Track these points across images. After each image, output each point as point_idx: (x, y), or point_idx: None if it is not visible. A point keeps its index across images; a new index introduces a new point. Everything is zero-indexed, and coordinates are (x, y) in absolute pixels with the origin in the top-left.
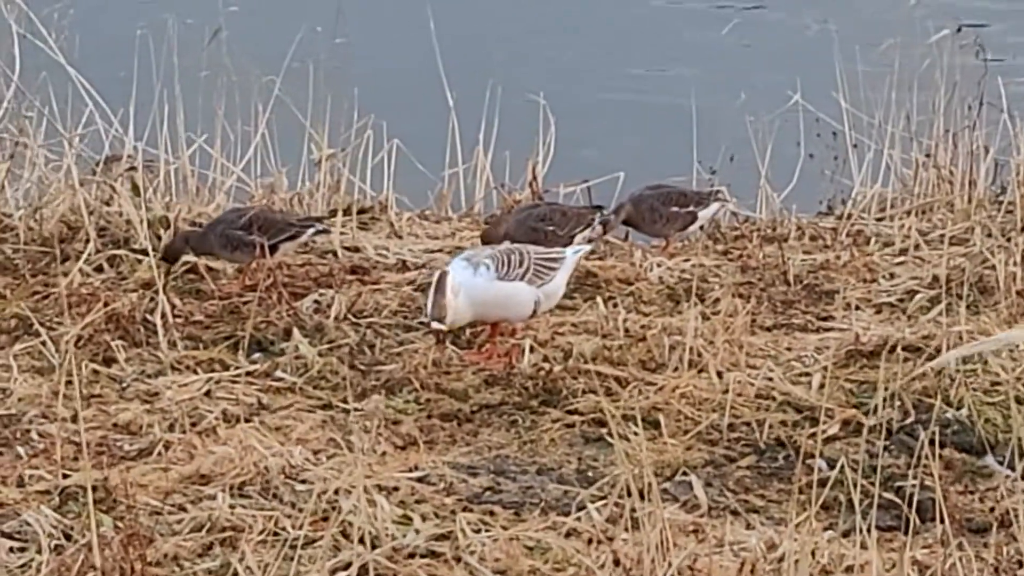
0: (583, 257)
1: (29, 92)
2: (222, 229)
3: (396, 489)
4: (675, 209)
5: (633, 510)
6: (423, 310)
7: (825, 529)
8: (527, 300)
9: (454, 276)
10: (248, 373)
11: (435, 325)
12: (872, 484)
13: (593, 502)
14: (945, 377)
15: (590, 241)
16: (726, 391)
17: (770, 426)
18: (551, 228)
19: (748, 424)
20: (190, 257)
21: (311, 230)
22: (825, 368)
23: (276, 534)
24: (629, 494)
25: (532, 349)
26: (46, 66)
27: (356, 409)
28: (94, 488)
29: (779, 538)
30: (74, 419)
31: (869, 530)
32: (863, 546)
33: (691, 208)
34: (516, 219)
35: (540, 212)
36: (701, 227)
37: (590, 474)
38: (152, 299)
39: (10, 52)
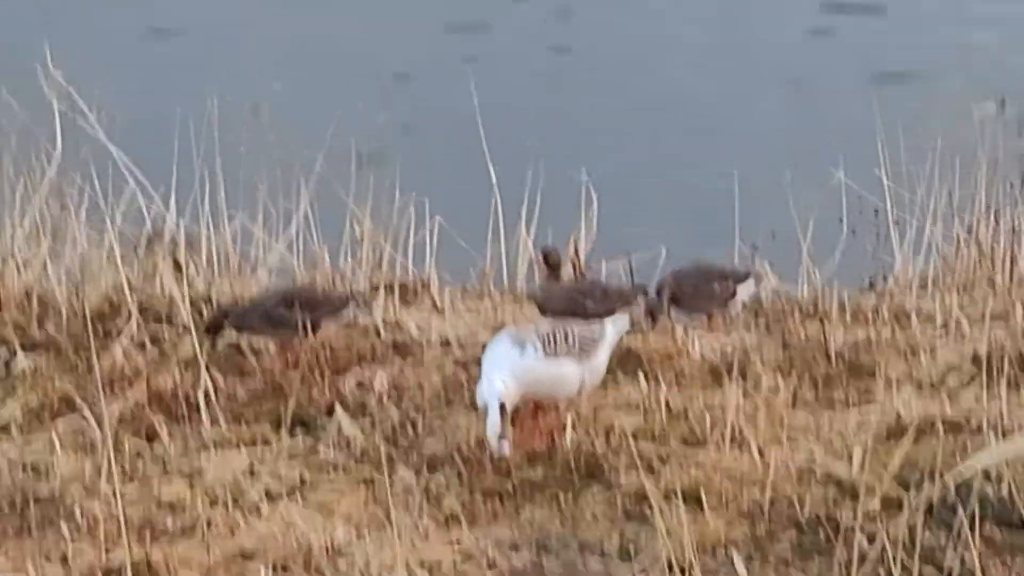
0: (623, 332)
1: (71, 169)
2: (263, 307)
3: (439, 566)
4: (717, 285)
5: None
6: (472, 391)
7: None
8: (574, 378)
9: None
10: (290, 450)
11: (503, 453)
12: (913, 560)
13: None
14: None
15: (632, 324)
16: (767, 468)
17: (811, 502)
18: (589, 303)
19: (789, 500)
20: (232, 334)
21: (352, 306)
22: (866, 445)
23: None
24: (671, 570)
25: (574, 426)
26: (88, 143)
27: (398, 486)
28: (137, 566)
29: None
30: (116, 497)
31: None
32: None
33: (732, 284)
34: (556, 291)
35: (581, 286)
36: (743, 303)
37: (632, 550)
38: (195, 376)
39: (52, 129)
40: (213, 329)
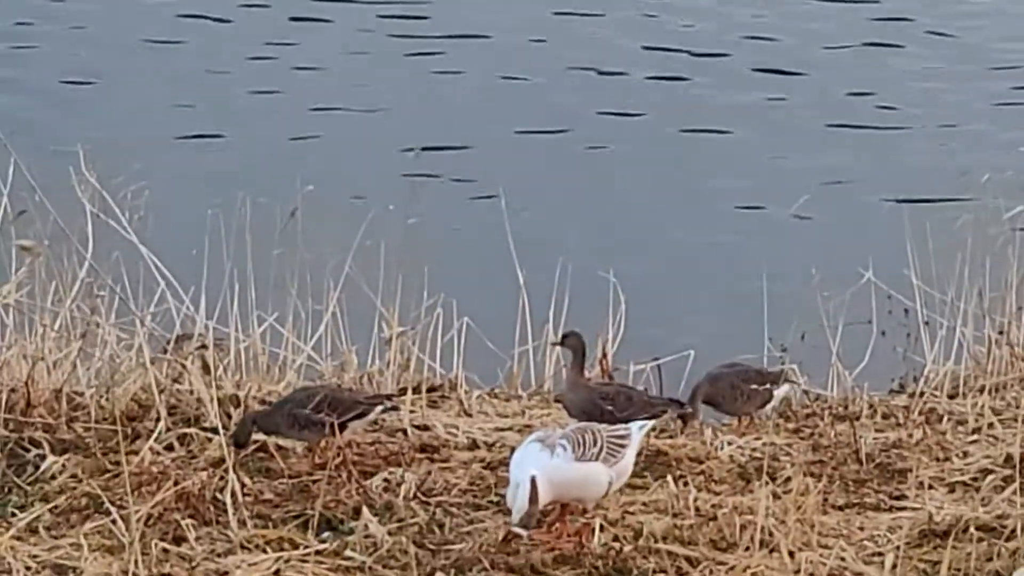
0: (649, 433)
1: (102, 271)
2: (290, 408)
3: None
4: (755, 387)
5: None
6: (500, 493)
7: None
8: (603, 480)
9: (540, 477)
10: (318, 552)
11: (518, 531)
12: None
13: None
14: (1019, 557)
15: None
16: (798, 572)
17: None
18: (609, 408)
19: None
20: (259, 436)
21: (379, 408)
22: (898, 548)
23: None
24: None
25: (602, 528)
26: (119, 245)
27: None
28: None
29: None
30: None
31: None
32: None
33: (768, 386)
34: (580, 394)
35: (606, 391)
36: (773, 408)
37: None
38: (222, 478)
39: (84, 231)
40: (241, 441)
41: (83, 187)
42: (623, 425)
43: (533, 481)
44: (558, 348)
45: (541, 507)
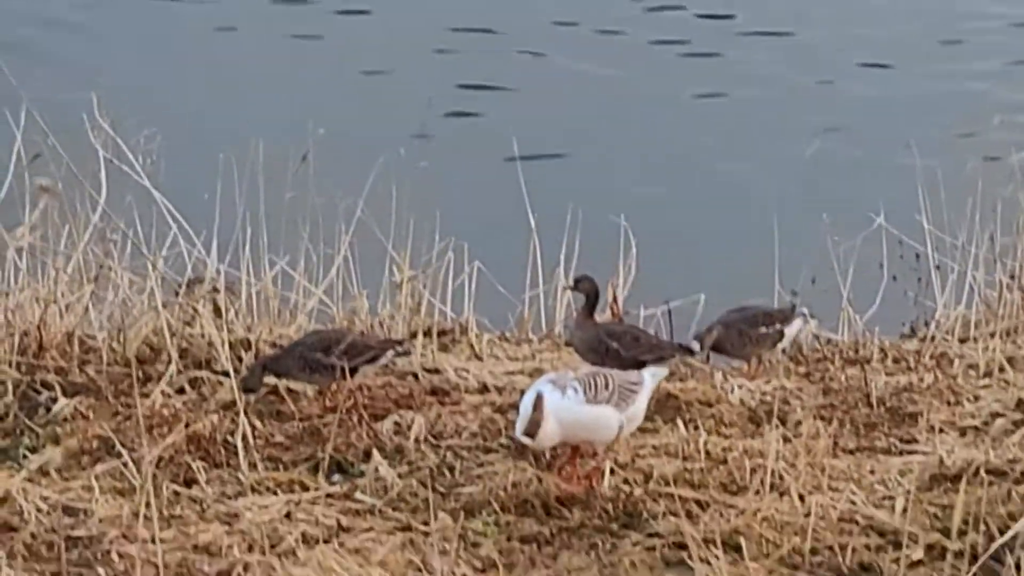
0: (662, 380)
1: (114, 215)
2: (301, 352)
3: None
4: (763, 330)
5: None
6: (509, 434)
7: None
8: (613, 424)
9: (548, 402)
10: (328, 495)
11: (524, 440)
12: None
13: None
14: None
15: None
16: (808, 515)
17: (853, 550)
18: (615, 346)
19: (831, 548)
20: (270, 379)
21: (390, 352)
22: (909, 492)
23: None
24: None
25: (612, 471)
26: (132, 189)
27: (436, 532)
28: None
29: None
30: (154, 540)
31: None
32: None
33: (777, 326)
34: (586, 331)
35: (613, 329)
36: (783, 349)
37: None
38: (233, 420)
39: (96, 176)
40: (251, 387)
41: (96, 132)
42: (636, 372)
43: (540, 395)
44: (569, 292)
45: (550, 446)
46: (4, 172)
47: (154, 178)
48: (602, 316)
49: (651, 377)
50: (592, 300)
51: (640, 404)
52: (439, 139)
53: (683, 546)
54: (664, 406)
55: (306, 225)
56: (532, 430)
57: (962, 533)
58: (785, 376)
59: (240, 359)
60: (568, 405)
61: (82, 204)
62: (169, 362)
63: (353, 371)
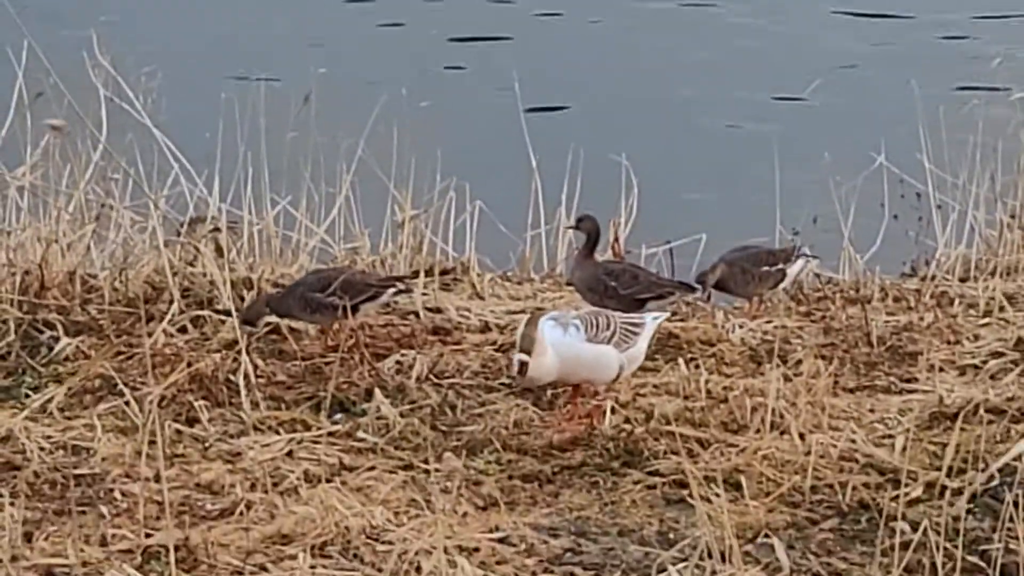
0: (662, 323)
1: (116, 154)
2: (302, 292)
3: (477, 550)
4: (766, 269)
5: (714, 572)
6: (511, 369)
7: None
8: (613, 363)
9: (544, 331)
10: (330, 434)
11: (520, 356)
12: (956, 547)
13: (674, 564)
14: None
15: (674, 314)
16: (808, 453)
17: (853, 488)
18: (613, 284)
19: (831, 486)
20: (272, 319)
21: (391, 290)
22: (908, 430)
23: None
24: (710, 556)
25: (613, 410)
26: (133, 128)
27: (437, 470)
28: (176, 548)
29: None
30: (157, 479)
31: None
32: None
33: (780, 266)
34: (587, 269)
35: (612, 268)
36: (785, 289)
37: (671, 536)
38: (235, 360)
39: (97, 115)
40: (252, 319)
41: (96, 70)
42: (638, 315)
43: (535, 314)
44: (571, 232)
45: (549, 382)
46: (5, 111)
47: (155, 117)
48: (604, 255)
49: (652, 320)
50: (593, 239)
51: (641, 346)
52: (441, 79)
53: (684, 484)
54: (665, 345)
55: (308, 164)
56: (528, 346)
57: (961, 471)
58: (786, 315)
59: (242, 298)
60: (569, 342)
61: (83, 143)
62: (171, 301)
63: (355, 310)
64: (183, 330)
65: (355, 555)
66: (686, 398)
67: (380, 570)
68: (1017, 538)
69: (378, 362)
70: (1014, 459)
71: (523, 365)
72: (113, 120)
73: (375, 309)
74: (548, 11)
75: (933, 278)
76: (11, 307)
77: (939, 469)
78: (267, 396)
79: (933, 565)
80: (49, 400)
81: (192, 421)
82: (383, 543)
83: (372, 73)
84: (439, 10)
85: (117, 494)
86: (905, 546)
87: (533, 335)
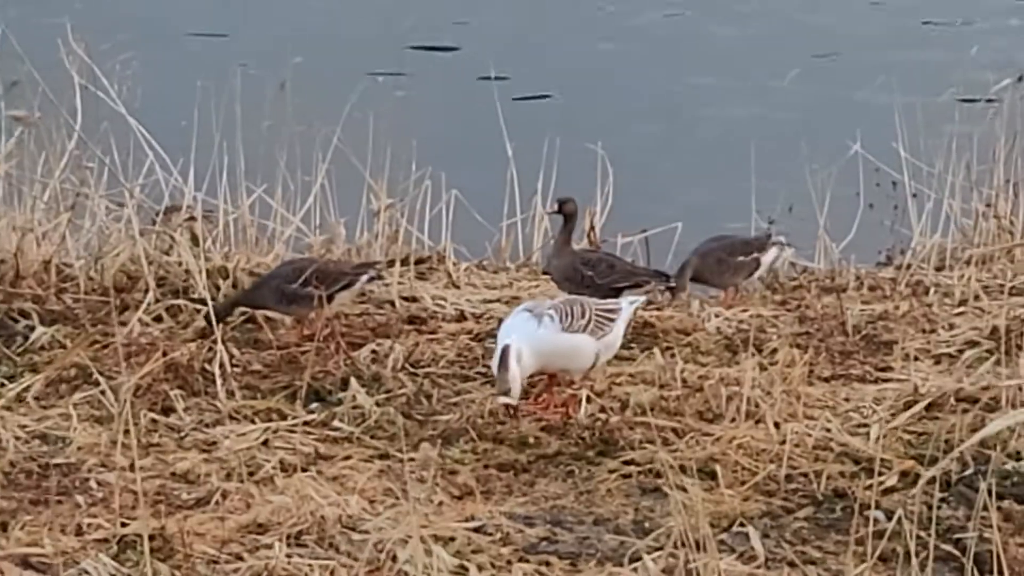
0: (639, 308)
1: (91, 143)
2: (277, 284)
3: (452, 539)
4: (741, 258)
5: (689, 561)
6: (487, 364)
7: None
8: (589, 352)
9: (516, 347)
10: (305, 423)
11: (503, 400)
12: (930, 536)
13: (649, 553)
14: (1004, 428)
15: (650, 303)
16: (783, 442)
17: (828, 477)
18: (590, 274)
19: (805, 475)
20: (247, 309)
21: (365, 277)
22: (883, 419)
23: None
24: (685, 545)
25: (589, 399)
26: (108, 117)
27: (412, 459)
28: (152, 537)
29: None
30: (132, 468)
31: None
32: None
33: (754, 255)
34: (562, 258)
35: (588, 257)
36: (760, 277)
37: (646, 525)
38: (211, 349)
39: (72, 103)
40: (218, 316)
41: (71, 59)
42: (614, 300)
43: (505, 350)
44: (546, 220)
45: (527, 376)
46: None
47: (130, 105)
48: (580, 244)
49: (628, 305)
50: (572, 223)
51: (617, 332)
52: (417, 68)
53: (659, 473)
54: (641, 334)
55: (283, 153)
56: (505, 388)
57: (935, 460)
58: (761, 304)
59: (217, 287)
60: (544, 334)
61: (58, 131)
62: (146, 290)
63: (330, 299)
64: (158, 319)
65: (331, 544)
66: (662, 387)
67: (356, 559)
68: (991, 526)
69: (354, 351)
70: (988, 447)
71: (508, 407)
72: (88, 109)
73: (351, 296)
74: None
75: (908, 267)
76: None
77: (914, 458)
78: (243, 385)
79: (907, 553)
80: (25, 389)
81: (167, 410)
82: (359, 532)
83: (348, 62)
84: None
85: (93, 483)
86: (879, 535)
87: (508, 378)
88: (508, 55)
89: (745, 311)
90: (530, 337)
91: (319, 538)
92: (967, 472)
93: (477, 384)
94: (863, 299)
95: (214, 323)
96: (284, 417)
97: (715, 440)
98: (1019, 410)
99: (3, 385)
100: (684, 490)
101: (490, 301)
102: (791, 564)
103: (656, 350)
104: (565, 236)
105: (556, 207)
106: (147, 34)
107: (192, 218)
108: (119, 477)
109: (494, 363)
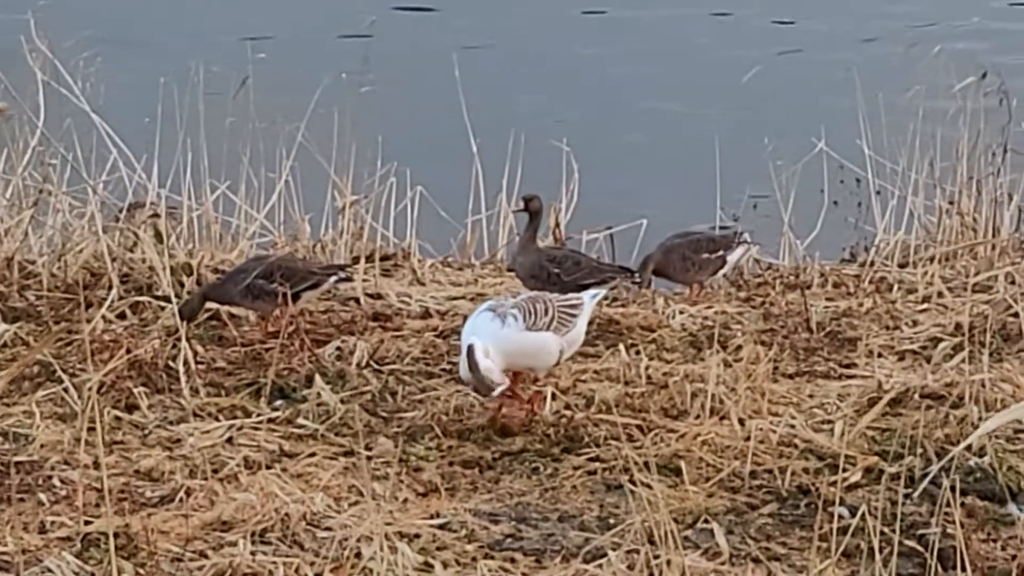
0: (601, 302)
1: (54, 139)
2: (243, 278)
3: (417, 536)
4: (706, 256)
5: (653, 557)
6: (451, 360)
7: None
8: (554, 349)
9: (479, 344)
10: (270, 420)
11: (497, 392)
12: (893, 532)
13: (614, 549)
14: (968, 425)
15: (615, 299)
16: (748, 438)
17: (792, 473)
18: (556, 271)
19: (770, 471)
20: (212, 305)
21: (333, 278)
22: (847, 416)
23: None
24: (649, 541)
25: (554, 396)
26: (71, 113)
27: (368, 457)
28: (116, 535)
29: None
30: (96, 466)
31: None
32: None
33: (720, 252)
34: (528, 255)
35: (554, 254)
36: (724, 275)
37: (611, 521)
38: (175, 346)
39: (35, 100)
40: (186, 315)
41: (34, 55)
42: (575, 295)
43: (470, 349)
44: (512, 218)
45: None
46: None
47: (94, 102)
48: (545, 241)
49: (590, 299)
50: (537, 220)
51: (580, 326)
52: (381, 65)
53: (624, 470)
54: (606, 331)
55: (247, 150)
56: (479, 389)
57: (899, 456)
58: (726, 301)
59: (182, 284)
60: (508, 334)
61: (21, 128)
62: (110, 287)
63: (296, 297)
64: (122, 316)
65: (295, 541)
66: (626, 384)
67: (320, 556)
68: (954, 522)
69: (318, 348)
70: (951, 444)
71: (504, 393)
72: (51, 105)
73: (316, 296)
74: None
75: (872, 264)
76: None
77: (877, 454)
78: (207, 382)
79: (871, 549)
80: None
81: (131, 408)
82: (323, 529)
83: (312, 58)
84: None
85: (56, 481)
86: (843, 531)
87: (482, 377)
88: (475, 49)
89: (710, 308)
90: (494, 337)
91: (283, 535)
92: (930, 468)
93: (442, 381)
94: (827, 296)
95: (184, 321)
96: (248, 414)
97: (680, 437)
98: (1017, 407)
99: None
100: (649, 486)
101: (455, 298)
102: (755, 560)
103: (621, 347)
104: (530, 233)
105: (522, 205)
106: (110, 31)
107: (156, 215)
108: (83, 475)
109: (462, 368)
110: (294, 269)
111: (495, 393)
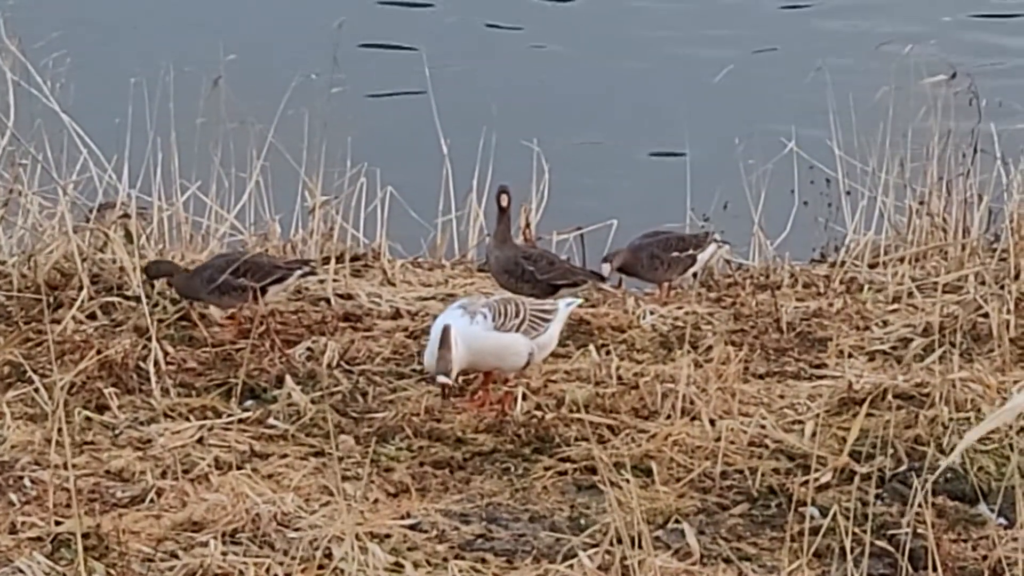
0: (575, 309)
1: (24, 139)
2: (210, 274)
3: (388, 536)
4: (676, 254)
5: (625, 558)
6: (421, 360)
7: None
8: (522, 351)
9: (455, 328)
10: (240, 420)
11: (441, 379)
12: (864, 532)
13: (585, 550)
14: (938, 425)
15: (586, 300)
16: (719, 439)
17: (763, 474)
18: (531, 269)
19: (741, 472)
20: (182, 304)
21: (298, 272)
22: (818, 416)
23: None
24: (620, 542)
25: (525, 396)
26: (41, 113)
27: (331, 454)
28: (86, 535)
29: None
30: (66, 466)
31: None
32: None
33: (691, 251)
34: (506, 250)
35: (530, 252)
36: (694, 274)
37: (582, 522)
38: (145, 346)
39: (5, 100)
40: (150, 275)
41: (3, 55)
42: (550, 300)
43: (446, 328)
44: (481, 217)
45: (458, 372)
46: None
47: (63, 102)
48: (515, 241)
49: (565, 306)
50: (508, 213)
51: (552, 332)
52: (351, 64)
53: (594, 470)
54: (576, 331)
55: (218, 150)
56: (446, 368)
57: (870, 456)
58: (696, 301)
59: (152, 284)
60: (476, 332)
61: None
62: (80, 288)
63: (263, 292)
64: (92, 316)
65: (266, 542)
66: (597, 384)
67: (291, 557)
68: (925, 523)
69: (289, 348)
70: (921, 444)
71: (445, 387)
72: (21, 105)
73: (283, 291)
74: None
75: (842, 264)
76: None
77: (848, 454)
78: (177, 383)
79: (842, 550)
80: None
81: (102, 408)
82: (294, 530)
83: (282, 58)
84: None
85: (26, 482)
86: (814, 531)
87: (450, 357)
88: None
89: (680, 308)
90: (462, 333)
91: (254, 536)
92: (901, 469)
93: (412, 381)
94: (797, 296)
95: (147, 278)
96: (219, 415)
97: (650, 437)
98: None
99: None
100: (619, 487)
101: (425, 298)
102: (726, 560)
103: (592, 347)
104: (505, 228)
105: (506, 201)
106: (80, 31)
107: (126, 215)
108: (53, 475)
109: (430, 348)
110: (259, 264)
111: (440, 380)
